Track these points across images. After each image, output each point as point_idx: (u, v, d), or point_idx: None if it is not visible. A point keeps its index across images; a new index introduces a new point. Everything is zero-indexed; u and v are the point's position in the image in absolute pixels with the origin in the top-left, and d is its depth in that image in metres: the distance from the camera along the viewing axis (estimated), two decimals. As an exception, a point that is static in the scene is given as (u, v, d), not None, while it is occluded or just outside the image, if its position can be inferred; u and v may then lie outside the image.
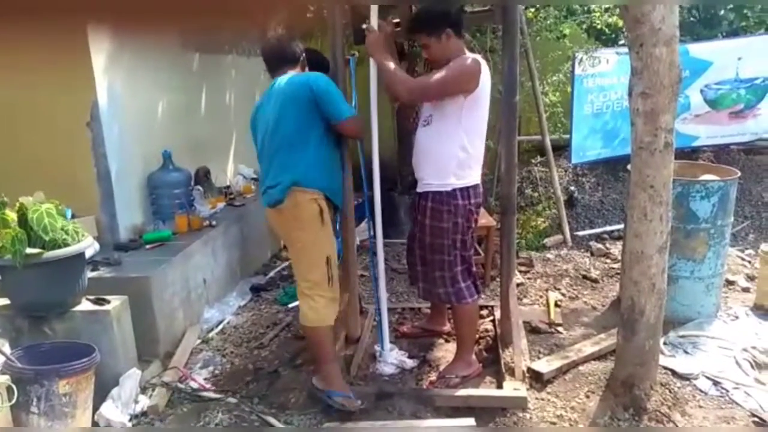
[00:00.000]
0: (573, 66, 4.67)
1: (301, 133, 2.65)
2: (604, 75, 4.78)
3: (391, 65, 2.58)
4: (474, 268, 2.79)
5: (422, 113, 2.73)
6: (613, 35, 5.33)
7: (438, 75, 2.51)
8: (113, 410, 2.49)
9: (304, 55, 2.85)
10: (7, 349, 2.31)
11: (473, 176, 2.66)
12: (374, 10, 2.68)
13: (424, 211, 2.68)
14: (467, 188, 2.63)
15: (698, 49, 5.01)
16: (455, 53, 2.56)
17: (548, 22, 4.88)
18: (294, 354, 3.07)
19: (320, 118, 2.64)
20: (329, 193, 2.70)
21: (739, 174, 3.35)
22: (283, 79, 2.70)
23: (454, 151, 2.59)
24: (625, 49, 2.34)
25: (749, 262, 4.20)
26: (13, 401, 2.10)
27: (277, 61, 2.80)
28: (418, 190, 2.74)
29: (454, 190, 2.61)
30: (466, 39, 4.55)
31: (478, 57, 2.58)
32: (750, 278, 3.89)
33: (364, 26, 2.68)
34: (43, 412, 2.25)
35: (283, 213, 2.66)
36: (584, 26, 5.22)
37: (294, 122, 2.63)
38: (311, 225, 2.62)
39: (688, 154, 5.00)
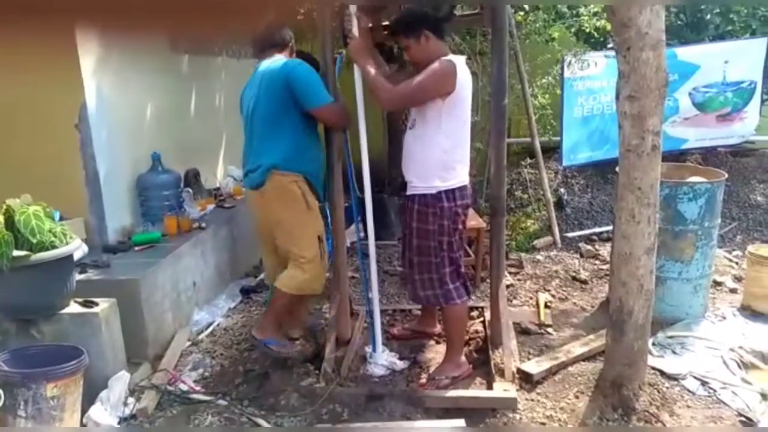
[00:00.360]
0: (562, 69, 4.71)
1: (277, 117, 2.77)
2: (593, 78, 4.82)
3: (373, 71, 2.60)
4: (463, 269, 2.80)
5: (410, 116, 2.74)
6: (602, 38, 5.37)
7: (415, 81, 2.54)
8: (102, 413, 2.47)
9: (293, 41, 2.91)
10: (-7, 352, 2.30)
11: (459, 178, 2.67)
12: (353, 10, 2.72)
13: (411, 214, 2.70)
14: (453, 190, 2.64)
15: (686, 53, 5.06)
16: (435, 54, 2.58)
17: (537, 25, 4.91)
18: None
19: (296, 104, 2.74)
20: (309, 177, 2.85)
21: (726, 176, 3.39)
22: (265, 64, 2.80)
23: (436, 154, 2.60)
24: (614, 53, 2.37)
25: (736, 263, 4.24)
26: (0, 405, 2.08)
27: (263, 43, 2.90)
28: (407, 192, 2.76)
29: (440, 192, 2.62)
30: (456, 41, 4.60)
31: (456, 58, 2.59)
32: (737, 279, 3.94)
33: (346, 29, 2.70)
34: (31, 416, 2.23)
35: (266, 195, 2.81)
36: (573, 29, 5.26)
37: (270, 107, 2.76)
38: (296, 206, 2.80)
39: (677, 156, 5.04)
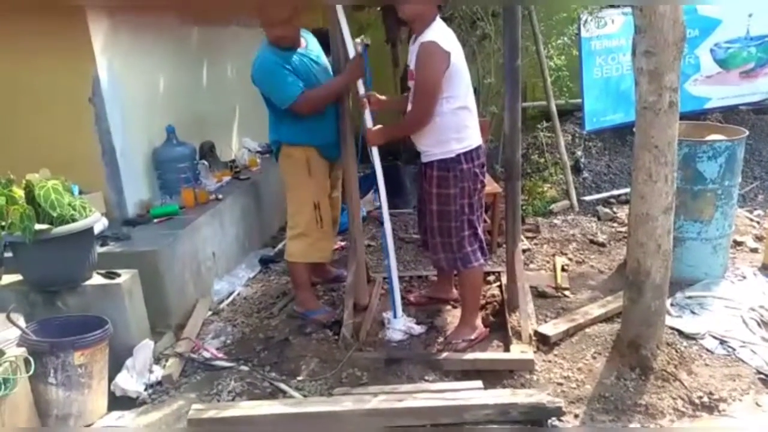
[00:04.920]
0: (579, 28, 4.58)
1: (272, 103, 2.90)
2: (611, 37, 4.69)
3: (397, 127, 2.74)
4: (480, 231, 2.81)
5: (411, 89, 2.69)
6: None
7: (419, 88, 2.56)
8: (128, 380, 2.55)
9: (287, 14, 2.83)
10: (22, 323, 2.36)
11: (473, 138, 2.68)
12: (340, 10, 2.72)
13: (431, 180, 2.69)
14: (470, 151, 2.65)
15: (707, 7, 4.89)
16: (427, 19, 2.55)
17: (552, -17, 4.78)
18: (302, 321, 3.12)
19: None
20: (321, 149, 2.99)
21: (747, 134, 3.31)
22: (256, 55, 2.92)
23: (447, 119, 2.60)
24: (631, 8, 2.31)
25: (758, 222, 4.18)
26: (31, 372, 2.15)
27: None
28: (423, 160, 2.75)
29: (458, 155, 2.63)
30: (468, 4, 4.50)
31: (439, 30, 2.56)
32: (758, 239, 3.88)
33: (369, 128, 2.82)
34: (61, 383, 2.31)
35: (280, 162, 3.10)
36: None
37: (264, 96, 2.94)
38: (297, 171, 2.99)
39: (698, 116, 4.92)
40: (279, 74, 2.78)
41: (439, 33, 2.55)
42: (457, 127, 2.62)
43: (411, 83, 2.67)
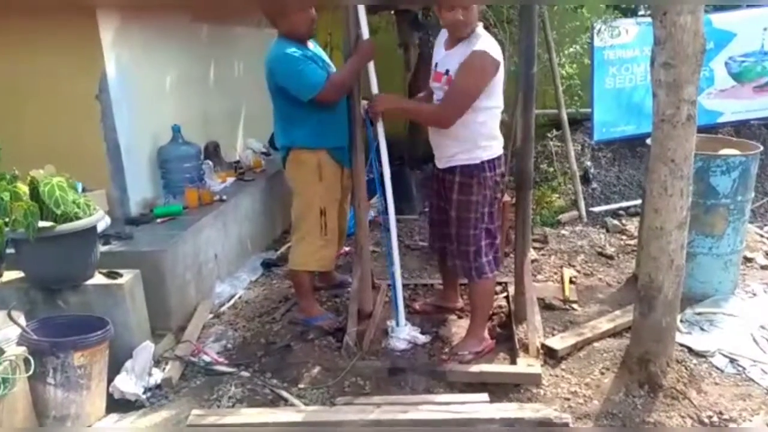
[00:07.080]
0: (592, 37, 4.54)
1: (286, 103, 2.84)
2: (624, 47, 4.64)
3: (411, 105, 2.66)
4: (497, 241, 2.78)
5: (435, 95, 2.66)
6: (633, 5, 5.17)
7: (459, 87, 2.51)
8: (127, 382, 2.50)
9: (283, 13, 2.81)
10: (23, 321, 2.33)
11: (497, 147, 2.68)
12: (362, 10, 2.69)
13: (452, 186, 2.66)
14: (492, 160, 2.64)
15: (722, 20, 4.85)
16: (474, 25, 2.53)
17: (566, -9, 4.74)
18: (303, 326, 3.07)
19: None
20: (333, 152, 2.93)
21: (761, 149, 3.27)
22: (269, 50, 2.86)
23: (477, 128, 2.59)
24: (645, 19, 2.27)
25: (768, 239, 4.12)
26: (30, 372, 2.11)
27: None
28: (443, 165, 2.71)
29: (482, 162, 2.62)
30: (482, 9, 4.47)
31: (489, 39, 2.53)
32: (769, 255, 3.83)
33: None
34: (60, 384, 2.27)
35: (288, 166, 3.00)
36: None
37: (277, 96, 2.86)
38: (307, 175, 2.92)
39: (709, 130, 4.87)
40: (302, 63, 2.72)
41: (490, 43, 2.53)
42: (488, 134, 2.62)
43: (437, 84, 2.64)
